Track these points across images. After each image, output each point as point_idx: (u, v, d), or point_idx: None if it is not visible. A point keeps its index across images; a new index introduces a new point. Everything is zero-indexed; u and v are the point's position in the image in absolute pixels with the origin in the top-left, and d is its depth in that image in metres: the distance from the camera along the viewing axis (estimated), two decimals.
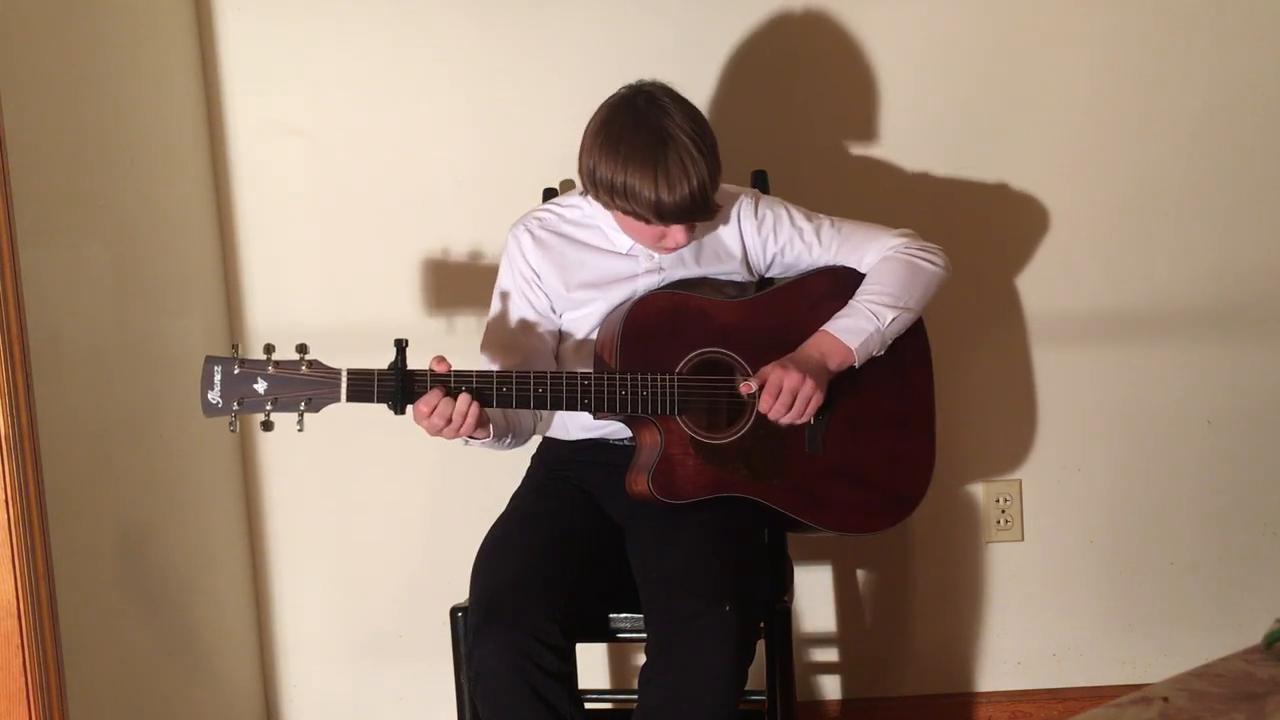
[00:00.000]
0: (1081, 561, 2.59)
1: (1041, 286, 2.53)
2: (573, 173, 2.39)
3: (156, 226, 2.30)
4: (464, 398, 1.88)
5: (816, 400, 1.99)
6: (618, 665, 2.60)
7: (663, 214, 1.94)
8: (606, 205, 2.00)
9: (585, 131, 2.01)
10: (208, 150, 2.46)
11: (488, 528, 2.05)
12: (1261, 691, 1.41)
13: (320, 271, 2.50)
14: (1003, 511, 2.57)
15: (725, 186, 2.13)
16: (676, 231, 1.99)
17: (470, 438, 2.00)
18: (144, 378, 2.22)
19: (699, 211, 1.96)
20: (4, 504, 1.70)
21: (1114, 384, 2.55)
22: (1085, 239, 2.51)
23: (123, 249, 2.18)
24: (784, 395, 1.97)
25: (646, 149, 1.92)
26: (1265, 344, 2.54)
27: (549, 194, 2.36)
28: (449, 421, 1.88)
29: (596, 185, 1.98)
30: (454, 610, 2.04)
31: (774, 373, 1.97)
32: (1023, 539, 2.59)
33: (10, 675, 1.71)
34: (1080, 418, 2.56)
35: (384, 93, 2.46)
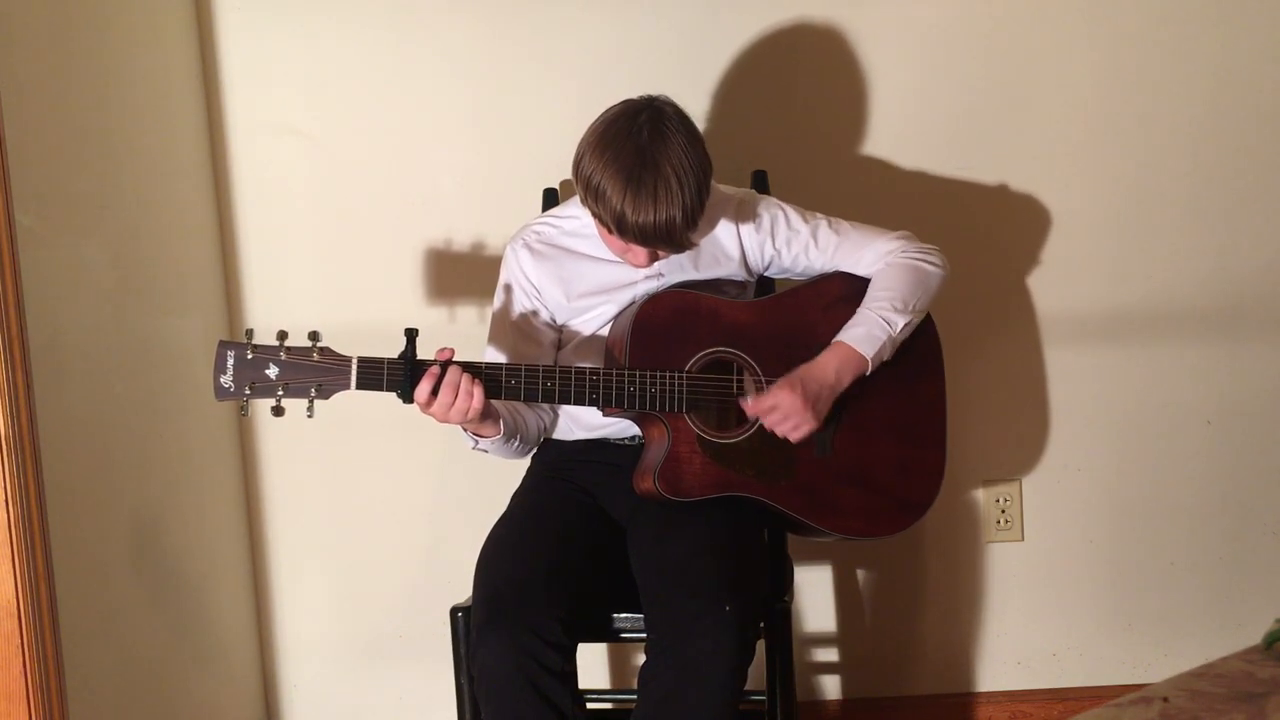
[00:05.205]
0: (1081, 561, 2.60)
1: (1041, 287, 2.53)
2: None
3: (156, 226, 2.30)
4: (454, 369, 1.87)
5: (806, 429, 1.99)
6: (618, 665, 2.60)
7: (623, 229, 1.93)
8: (582, 200, 2.00)
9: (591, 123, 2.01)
10: (208, 150, 2.46)
11: (488, 528, 2.05)
12: (1261, 691, 1.41)
13: (320, 271, 2.50)
14: (1003, 512, 2.57)
15: (722, 188, 2.13)
16: (638, 250, 1.99)
17: (478, 435, 2.00)
18: (144, 377, 2.22)
19: (660, 241, 1.95)
20: (4, 504, 1.70)
21: (1114, 384, 2.55)
22: (1085, 240, 2.51)
23: (123, 249, 2.18)
24: (775, 414, 1.98)
25: (628, 164, 1.91)
26: (1265, 344, 2.54)
27: (549, 194, 2.36)
28: (455, 398, 1.87)
29: (578, 177, 1.98)
30: (454, 610, 2.04)
31: (777, 394, 1.98)
32: (1023, 539, 2.59)
33: (10, 675, 1.72)
34: (1080, 418, 2.56)
35: (384, 92, 2.46)
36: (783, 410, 1.98)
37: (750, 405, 2.00)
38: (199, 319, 2.43)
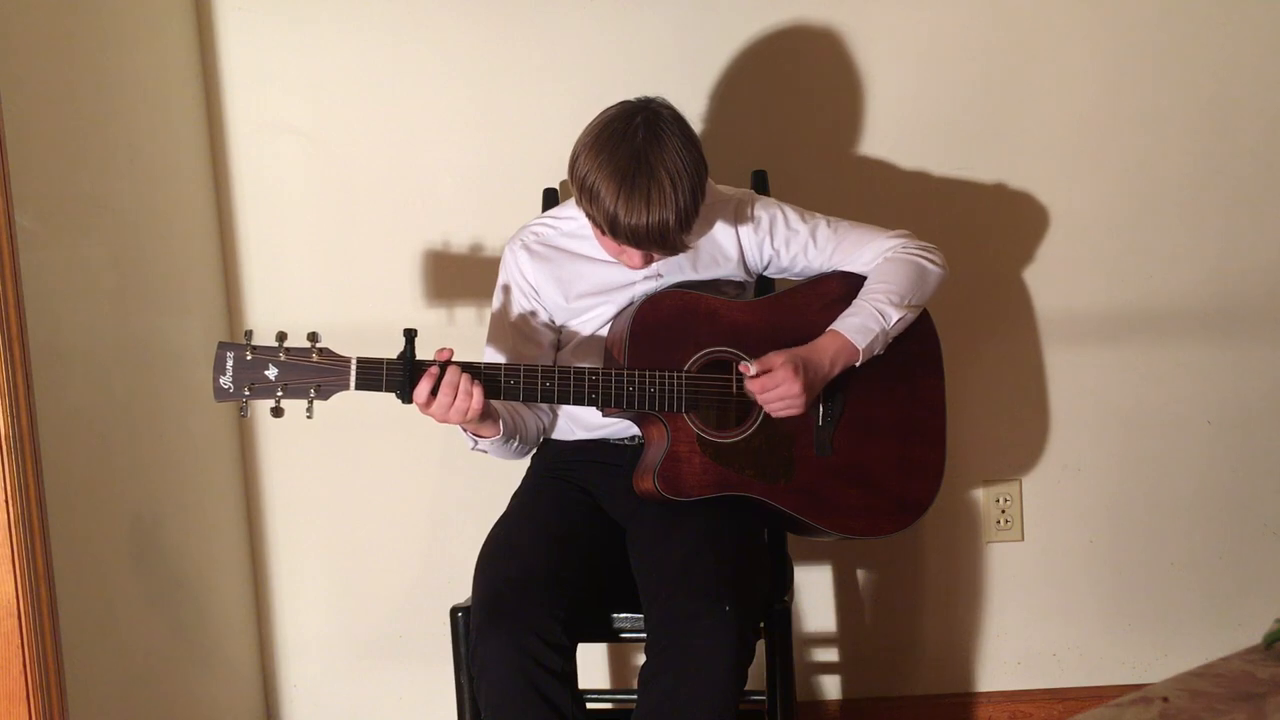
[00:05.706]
0: (1081, 561, 2.60)
1: (1041, 287, 2.53)
2: None
3: (156, 226, 2.30)
4: (454, 369, 1.87)
5: (796, 412, 2.00)
6: (618, 665, 2.61)
7: (616, 231, 1.93)
8: (577, 201, 2.00)
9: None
10: (208, 150, 2.46)
11: (488, 528, 2.05)
12: (1261, 691, 1.41)
13: (320, 271, 2.50)
14: (1003, 512, 2.57)
15: (720, 189, 2.13)
16: (632, 253, 1.99)
17: (478, 435, 2.00)
18: (144, 377, 2.22)
19: (653, 244, 1.95)
20: (4, 504, 1.70)
21: (1114, 384, 2.55)
22: (1085, 239, 2.51)
23: (123, 249, 2.18)
24: (776, 392, 1.98)
25: (622, 166, 1.90)
26: (1265, 344, 2.54)
27: (549, 194, 2.36)
28: (454, 398, 1.88)
29: (573, 178, 1.98)
30: (454, 610, 2.04)
31: (780, 371, 1.98)
32: (1023, 539, 2.59)
33: (10, 675, 1.72)
34: (1080, 418, 2.56)
35: (384, 92, 2.46)
36: (783, 391, 1.98)
37: (752, 380, 1.99)
38: (199, 319, 2.43)
